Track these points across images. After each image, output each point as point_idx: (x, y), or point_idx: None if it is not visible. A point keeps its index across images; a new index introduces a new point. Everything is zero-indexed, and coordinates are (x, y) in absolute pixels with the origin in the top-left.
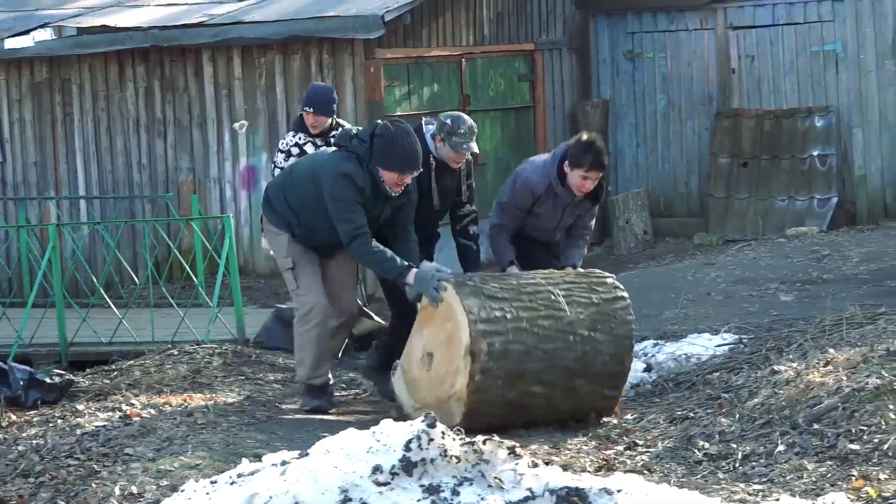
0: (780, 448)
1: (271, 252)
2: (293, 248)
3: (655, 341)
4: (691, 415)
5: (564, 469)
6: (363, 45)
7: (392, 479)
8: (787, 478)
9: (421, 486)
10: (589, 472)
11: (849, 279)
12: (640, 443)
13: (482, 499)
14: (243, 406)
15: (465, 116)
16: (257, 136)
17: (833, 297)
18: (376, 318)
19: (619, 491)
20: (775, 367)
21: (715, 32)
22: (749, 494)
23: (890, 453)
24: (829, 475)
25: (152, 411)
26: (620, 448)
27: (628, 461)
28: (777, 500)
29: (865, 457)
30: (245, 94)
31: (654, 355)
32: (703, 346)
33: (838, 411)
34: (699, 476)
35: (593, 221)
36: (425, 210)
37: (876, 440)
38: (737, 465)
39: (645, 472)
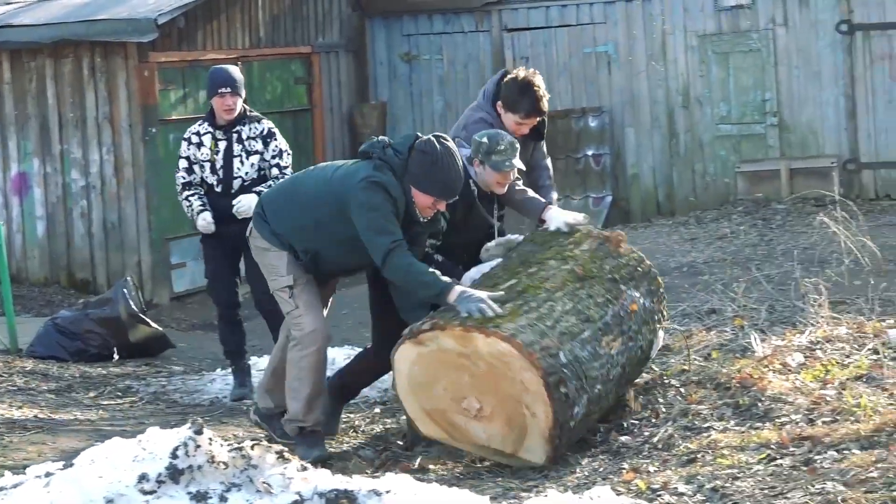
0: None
1: (265, 262)
2: (294, 267)
3: None
4: None
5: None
6: (136, 48)
7: (159, 487)
8: (560, 472)
9: (188, 493)
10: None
11: None
12: (401, 443)
13: None
14: (13, 417)
15: (503, 132)
16: (28, 141)
17: None
18: (153, 324)
19: (387, 492)
20: None
21: (490, 34)
22: (522, 491)
23: (659, 446)
24: (602, 469)
25: None
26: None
27: (406, 462)
28: (545, 495)
29: (636, 449)
30: (15, 99)
31: None
32: None
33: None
34: (471, 473)
35: (549, 160)
36: (464, 238)
37: (646, 433)
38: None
39: (419, 472)
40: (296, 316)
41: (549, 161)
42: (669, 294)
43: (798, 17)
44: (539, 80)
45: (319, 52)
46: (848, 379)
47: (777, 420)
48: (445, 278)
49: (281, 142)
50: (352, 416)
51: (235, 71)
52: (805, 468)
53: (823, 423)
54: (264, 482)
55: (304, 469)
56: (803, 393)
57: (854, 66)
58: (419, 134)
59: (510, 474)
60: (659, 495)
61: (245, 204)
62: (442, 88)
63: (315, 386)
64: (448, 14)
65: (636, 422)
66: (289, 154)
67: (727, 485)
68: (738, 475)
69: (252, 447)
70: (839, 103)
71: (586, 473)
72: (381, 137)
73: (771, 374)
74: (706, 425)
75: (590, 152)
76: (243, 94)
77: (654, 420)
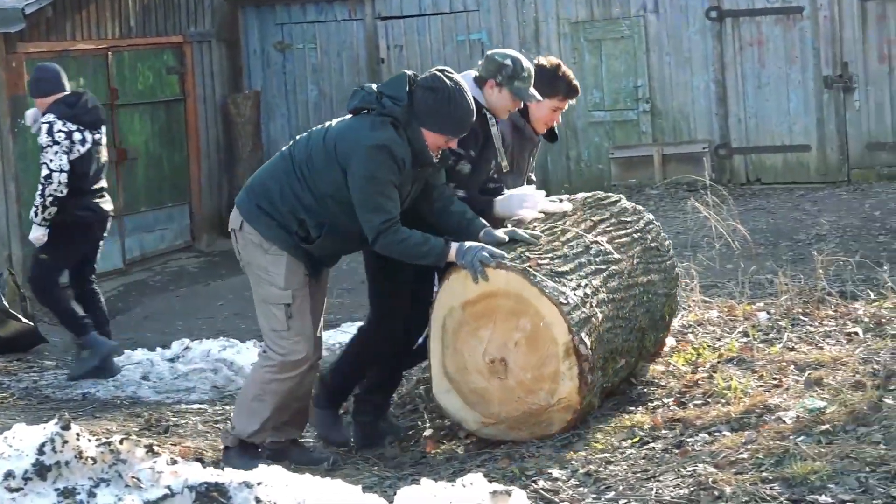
0: (428, 433)
1: (252, 266)
2: (293, 276)
3: None
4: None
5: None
6: (3, 39)
7: (25, 484)
8: (436, 462)
9: (56, 489)
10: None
11: None
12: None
13: (119, 499)
14: None
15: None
16: None
17: None
18: (24, 319)
19: (259, 483)
20: None
21: (364, 23)
22: (399, 479)
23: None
24: (478, 456)
25: None
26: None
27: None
28: (419, 484)
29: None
30: None
31: None
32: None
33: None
34: (350, 463)
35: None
36: (485, 174)
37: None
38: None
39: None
40: (284, 336)
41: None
42: None
43: (668, 4)
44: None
45: (191, 41)
46: (719, 362)
47: (649, 404)
48: (438, 239)
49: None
50: (227, 407)
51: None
52: (677, 451)
53: (695, 405)
54: (133, 477)
55: (174, 463)
56: (675, 376)
57: (724, 52)
58: (409, 72)
59: (394, 466)
60: (534, 480)
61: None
62: (316, 77)
63: (276, 413)
64: (321, 3)
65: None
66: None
67: (600, 469)
68: (612, 459)
69: (121, 442)
70: (710, 89)
71: (460, 461)
72: (368, 86)
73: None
74: None
75: None
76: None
77: None
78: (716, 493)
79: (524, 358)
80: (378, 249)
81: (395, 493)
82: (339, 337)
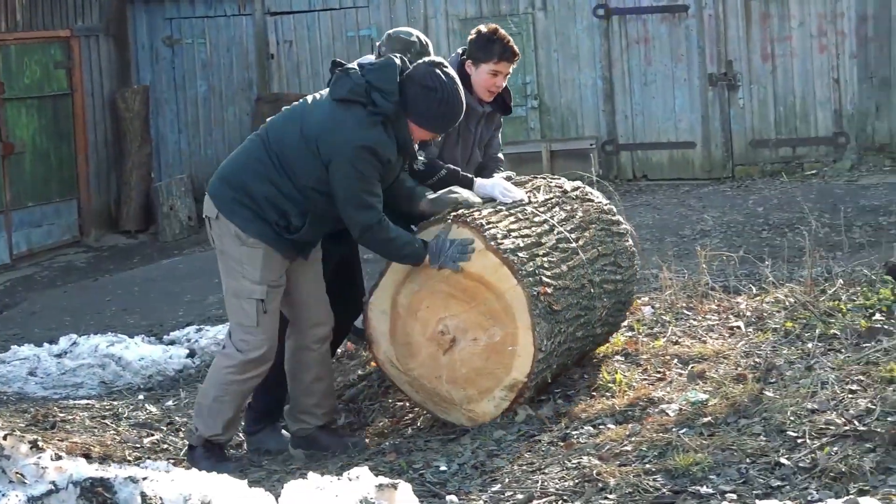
0: (340, 421)
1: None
2: (269, 272)
3: (199, 326)
4: None
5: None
6: None
7: None
8: (323, 455)
9: None
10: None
11: None
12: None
13: (3, 495)
14: None
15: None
16: None
17: None
18: None
19: (144, 479)
20: None
21: (253, 18)
22: (287, 473)
23: (421, 427)
24: (364, 450)
25: None
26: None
27: (171, 447)
28: (306, 478)
29: (399, 432)
30: None
31: (197, 340)
32: None
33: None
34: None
35: (502, 154)
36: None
37: (410, 416)
38: None
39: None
40: (249, 332)
41: (502, 155)
42: None
43: (556, 2)
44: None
45: (79, 35)
46: (605, 356)
47: (537, 398)
48: (416, 240)
49: None
50: (115, 403)
51: None
52: (562, 444)
53: (580, 399)
54: (17, 472)
55: (59, 458)
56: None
57: (611, 49)
58: (397, 60)
59: (281, 461)
60: (421, 474)
61: None
62: (205, 72)
63: (237, 411)
64: None
65: (400, 403)
66: None
67: (487, 462)
68: (498, 452)
69: (4, 437)
70: (597, 86)
71: (348, 455)
72: (353, 73)
73: None
74: None
75: None
76: None
77: (406, 405)
78: (600, 484)
79: (473, 357)
80: (361, 243)
81: (282, 488)
82: None
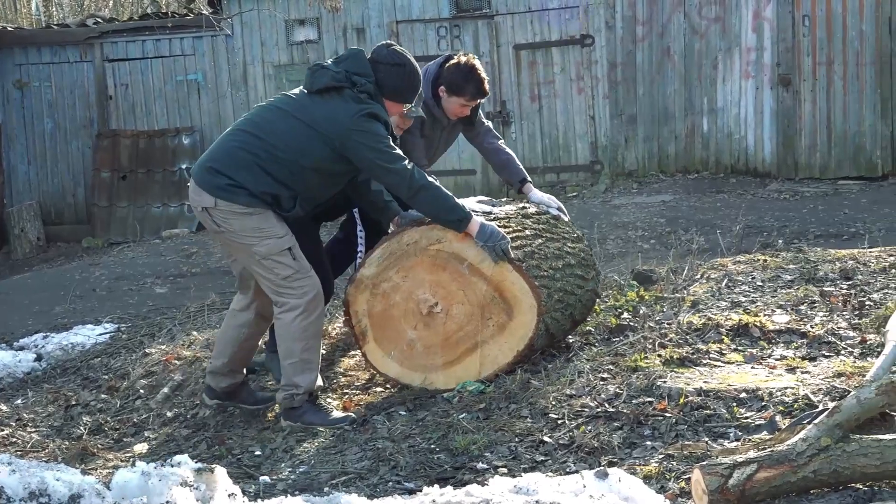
0: (169, 415)
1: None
2: (283, 223)
3: (45, 333)
4: (73, 396)
5: None
6: None
7: None
8: (131, 443)
9: None
10: None
11: (213, 272)
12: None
13: None
14: None
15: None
16: None
17: (198, 287)
18: None
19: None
20: (147, 350)
21: (93, 64)
22: (121, 462)
23: (236, 414)
24: (192, 438)
25: None
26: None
27: (18, 441)
28: (128, 461)
29: (223, 420)
30: None
31: (44, 346)
32: (87, 335)
33: (190, 387)
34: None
35: (490, 123)
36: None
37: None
38: (116, 435)
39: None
40: (297, 279)
41: (490, 124)
42: None
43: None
44: (479, 65)
45: None
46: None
47: (341, 390)
48: (468, 212)
49: None
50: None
51: None
52: (361, 429)
53: (376, 391)
54: None
55: None
56: (362, 368)
57: None
58: (359, 48)
59: (118, 450)
60: (238, 458)
61: None
62: (51, 111)
63: (319, 352)
64: (55, 46)
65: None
66: None
67: (295, 446)
68: (305, 438)
69: None
70: None
71: (163, 440)
72: (329, 65)
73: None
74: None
75: (184, 166)
76: None
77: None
78: (392, 463)
79: (459, 318)
80: (414, 203)
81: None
82: (72, 338)
